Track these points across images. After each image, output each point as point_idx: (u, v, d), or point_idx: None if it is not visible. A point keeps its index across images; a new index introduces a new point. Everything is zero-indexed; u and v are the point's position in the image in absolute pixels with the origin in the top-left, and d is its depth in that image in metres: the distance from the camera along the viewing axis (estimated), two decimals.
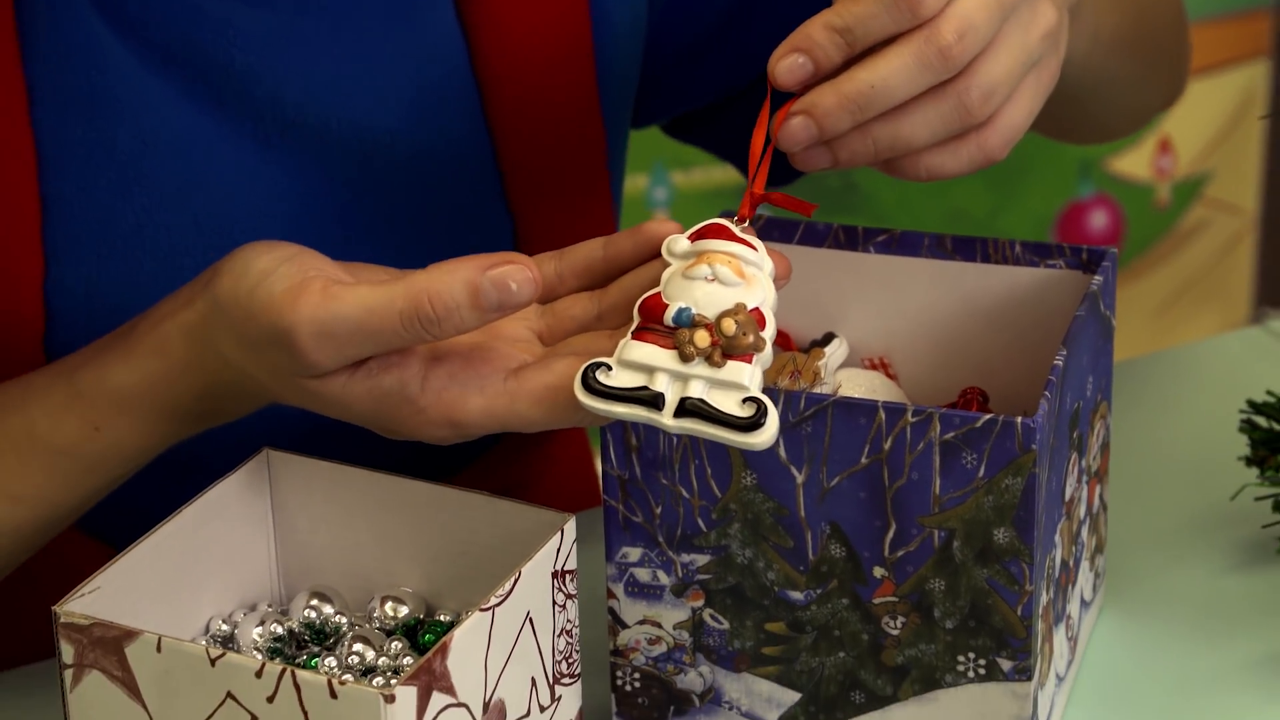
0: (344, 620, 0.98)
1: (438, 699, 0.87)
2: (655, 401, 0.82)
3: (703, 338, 0.84)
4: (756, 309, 0.85)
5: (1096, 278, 1.04)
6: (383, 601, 0.99)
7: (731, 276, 0.85)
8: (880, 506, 0.97)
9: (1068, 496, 1.02)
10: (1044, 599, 0.98)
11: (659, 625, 1.01)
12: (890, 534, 0.97)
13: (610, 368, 0.84)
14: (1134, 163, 2.56)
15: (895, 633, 0.99)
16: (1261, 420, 1.15)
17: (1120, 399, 1.25)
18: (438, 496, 0.98)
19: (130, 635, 0.89)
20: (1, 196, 1.04)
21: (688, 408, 0.82)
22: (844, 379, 1.08)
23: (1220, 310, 2.63)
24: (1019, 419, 0.94)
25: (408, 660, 0.96)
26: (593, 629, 1.08)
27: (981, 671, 0.98)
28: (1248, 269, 2.64)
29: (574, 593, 0.96)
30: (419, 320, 0.87)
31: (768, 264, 0.87)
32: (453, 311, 0.87)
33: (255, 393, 0.95)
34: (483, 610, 0.90)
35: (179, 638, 0.89)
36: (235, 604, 1.01)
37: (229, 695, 0.87)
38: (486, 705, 0.91)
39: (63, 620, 0.90)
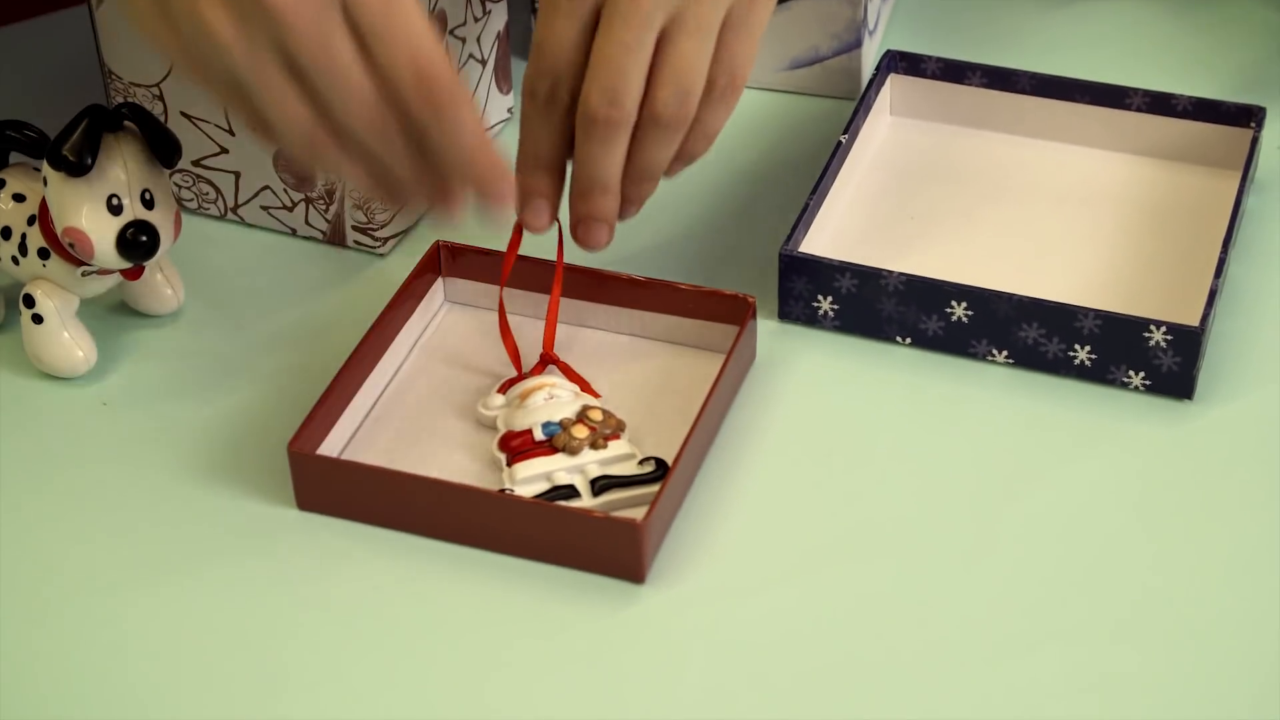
0: None
1: None
2: (572, 493, 0.81)
3: (581, 430, 0.83)
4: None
5: None
6: None
7: (564, 394, 0.84)
8: None
9: None
10: None
11: None
12: None
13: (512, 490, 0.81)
14: None
15: None
16: None
17: None
18: None
19: None
20: None
21: (602, 485, 0.82)
22: None
23: None
24: None
25: None
26: None
27: None
28: None
29: None
30: None
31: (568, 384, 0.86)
32: None
33: None
34: None
35: None
36: None
37: None
38: (431, 11, 0.93)
39: None
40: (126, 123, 0.84)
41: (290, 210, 0.95)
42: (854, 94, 1.04)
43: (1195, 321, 0.87)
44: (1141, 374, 0.86)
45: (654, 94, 0.82)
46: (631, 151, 0.84)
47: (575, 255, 0.91)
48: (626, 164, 0.84)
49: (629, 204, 0.86)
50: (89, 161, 0.83)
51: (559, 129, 0.84)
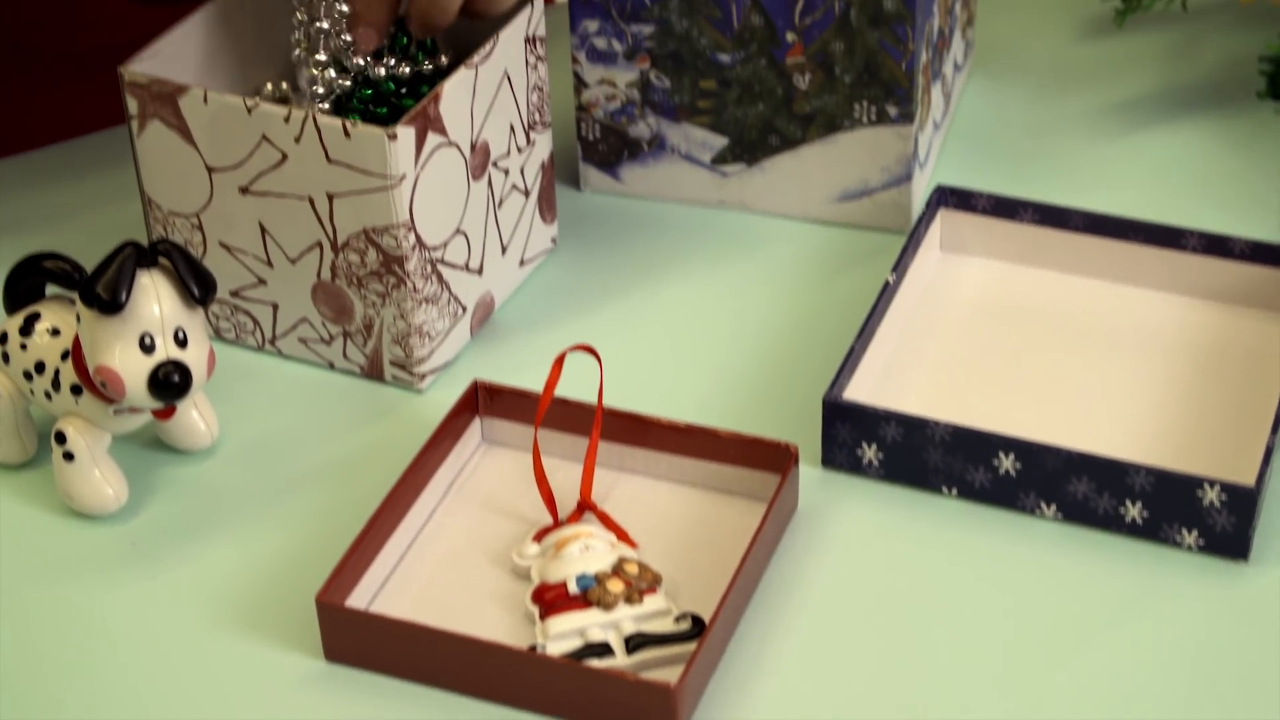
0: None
1: (432, 139, 0.88)
2: (606, 650, 0.78)
3: (616, 585, 0.79)
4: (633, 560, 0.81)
5: None
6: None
7: (600, 544, 0.81)
8: None
9: None
10: (923, 58, 0.99)
11: (614, 84, 1.01)
12: (799, 5, 0.97)
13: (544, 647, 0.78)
14: None
15: (804, 87, 0.99)
16: None
17: None
18: None
19: (182, 90, 0.89)
20: None
21: (636, 643, 0.78)
22: None
23: None
24: None
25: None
26: (562, 93, 1.08)
27: (873, 118, 0.99)
28: None
29: (543, 55, 0.95)
30: None
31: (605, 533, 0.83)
32: None
33: None
34: (467, 67, 0.90)
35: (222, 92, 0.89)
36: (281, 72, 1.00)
37: (264, 137, 0.88)
38: (474, 145, 0.91)
39: (128, 79, 0.90)
40: (162, 260, 0.82)
41: (328, 344, 0.93)
42: (904, 227, 1.01)
43: (1250, 480, 0.84)
44: (1195, 533, 0.83)
45: None
46: None
47: (616, 399, 0.88)
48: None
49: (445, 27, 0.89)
50: (123, 300, 0.80)
51: None
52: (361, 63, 0.90)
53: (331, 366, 0.93)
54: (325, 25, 0.90)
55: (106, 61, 1.02)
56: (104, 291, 0.80)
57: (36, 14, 1.06)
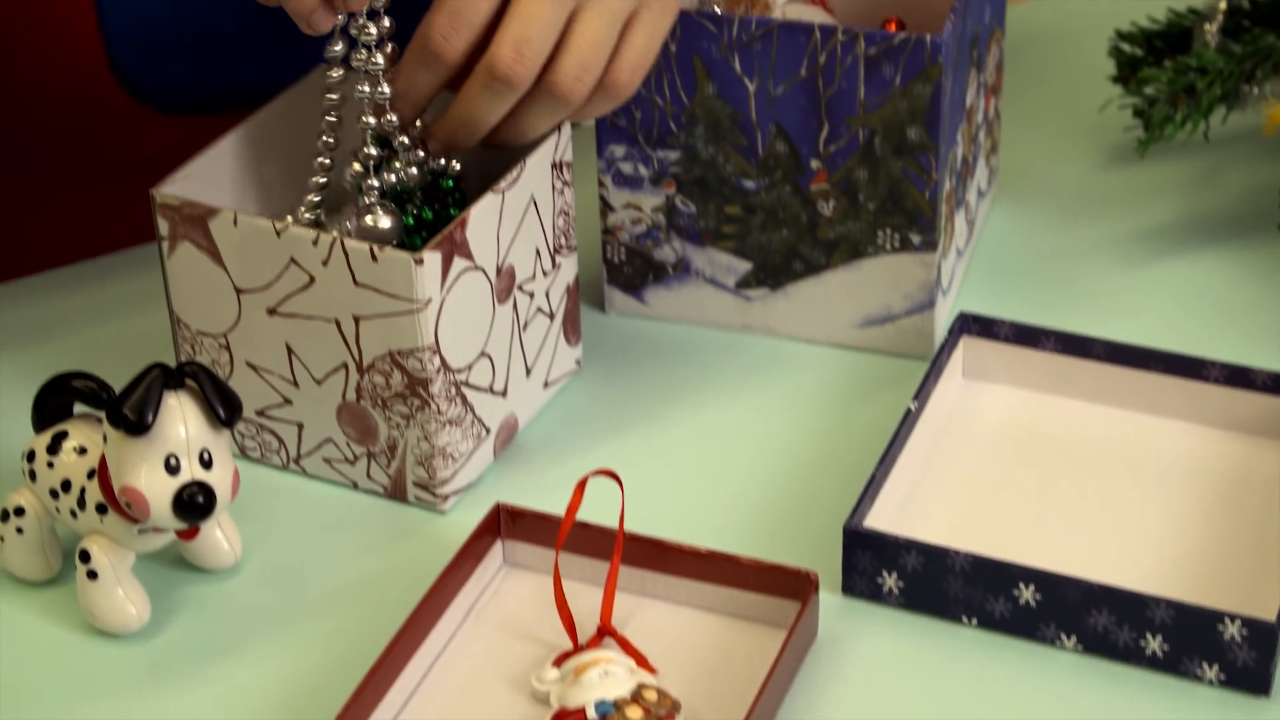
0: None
1: (459, 263, 0.89)
2: None
3: (635, 711, 0.79)
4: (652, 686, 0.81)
5: None
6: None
7: (619, 670, 0.81)
8: (816, 111, 0.97)
9: (967, 104, 1.02)
10: (947, 186, 0.99)
11: (640, 209, 1.02)
12: (824, 133, 0.97)
13: None
14: None
15: (828, 214, 0.99)
16: (1126, 46, 1.15)
17: (1018, 31, 1.25)
18: None
19: (213, 212, 0.89)
20: None
21: None
22: (790, 11, 1.07)
23: None
24: (929, 36, 0.94)
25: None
26: (587, 216, 1.09)
27: (896, 244, 0.99)
28: None
29: (570, 180, 0.96)
30: None
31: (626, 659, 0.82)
32: None
33: None
34: (494, 192, 0.90)
35: (252, 214, 0.90)
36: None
37: (292, 260, 0.88)
38: (499, 269, 0.92)
39: (159, 201, 0.91)
40: (189, 381, 0.82)
41: (352, 464, 0.93)
42: (926, 354, 1.01)
43: (1272, 615, 0.83)
44: (1216, 667, 0.82)
45: (557, 63, 0.86)
46: (513, 113, 0.88)
47: (637, 523, 0.88)
48: (508, 116, 0.88)
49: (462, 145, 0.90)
50: (149, 421, 0.80)
51: (442, 78, 0.87)
52: (406, 141, 0.91)
53: (355, 486, 0.94)
54: (370, 120, 0.90)
55: (139, 173, 1.03)
56: (131, 413, 0.80)
57: (70, 124, 1.07)
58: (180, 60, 1.05)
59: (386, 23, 0.90)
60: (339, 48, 0.90)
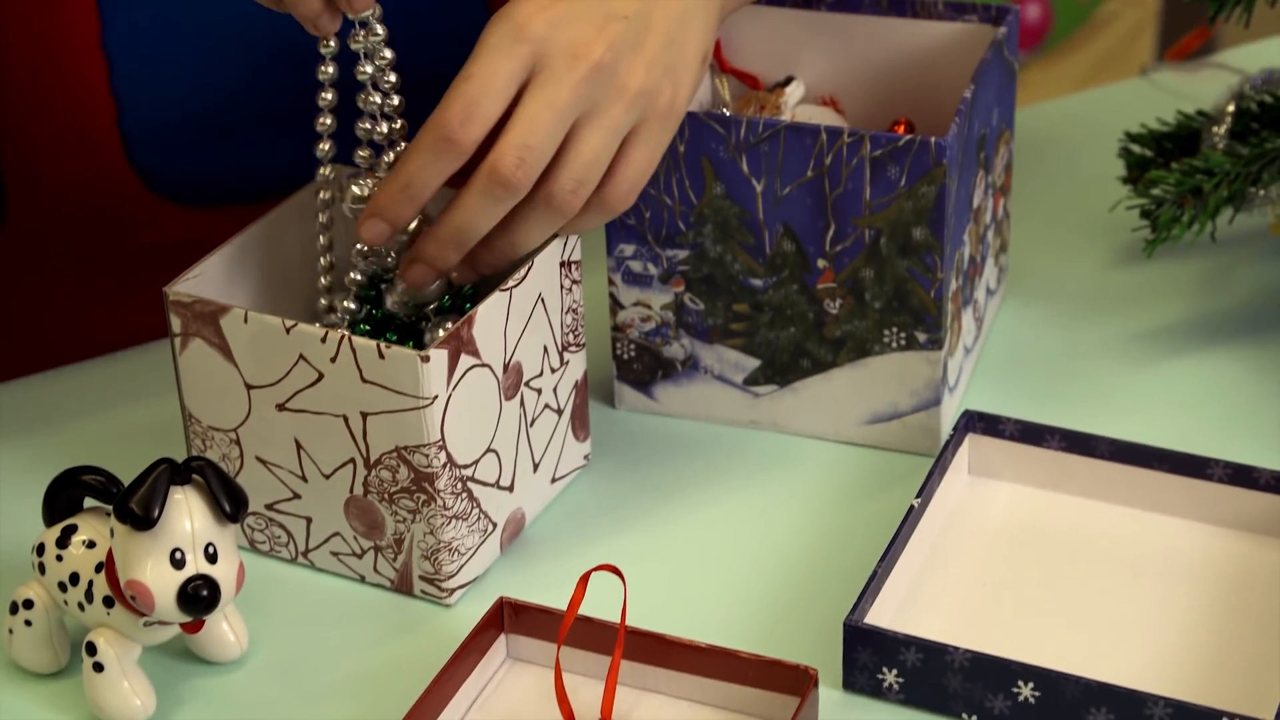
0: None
1: (465, 360, 0.89)
2: None
3: None
4: None
5: (1001, 29, 1.04)
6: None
7: None
8: (823, 211, 0.98)
9: (975, 205, 1.03)
10: (953, 285, 1.00)
11: (649, 306, 1.03)
12: (831, 232, 0.98)
13: None
14: None
15: (835, 312, 1.00)
16: (1136, 147, 1.16)
17: (1030, 132, 1.26)
18: None
19: (224, 310, 0.91)
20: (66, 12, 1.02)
21: None
22: (800, 113, 1.08)
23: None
24: (933, 139, 0.95)
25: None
26: (598, 312, 1.10)
27: (903, 342, 1.00)
28: (1148, 49, 2.64)
29: (578, 279, 0.97)
30: None
31: None
32: None
33: None
34: (502, 291, 0.91)
35: (263, 312, 0.91)
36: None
37: (300, 357, 0.89)
38: (506, 366, 0.92)
39: (171, 298, 0.92)
40: (195, 476, 0.83)
41: (360, 557, 0.93)
42: (933, 450, 1.01)
43: (1270, 714, 0.83)
44: None
45: (555, 174, 0.86)
46: (504, 222, 0.88)
47: (639, 617, 0.88)
48: (500, 225, 0.88)
49: (452, 265, 0.90)
50: (155, 516, 0.81)
51: (451, 168, 0.87)
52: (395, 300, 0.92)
53: (362, 580, 0.94)
54: (360, 261, 0.92)
55: (158, 264, 1.04)
56: (137, 508, 0.81)
57: (89, 217, 1.08)
58: (198, 154, 1.07)
59: (398, 124, 0.92)
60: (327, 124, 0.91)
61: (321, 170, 0.94)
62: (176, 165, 1.07)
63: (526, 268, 0.92)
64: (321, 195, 0.94)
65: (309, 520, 0.93)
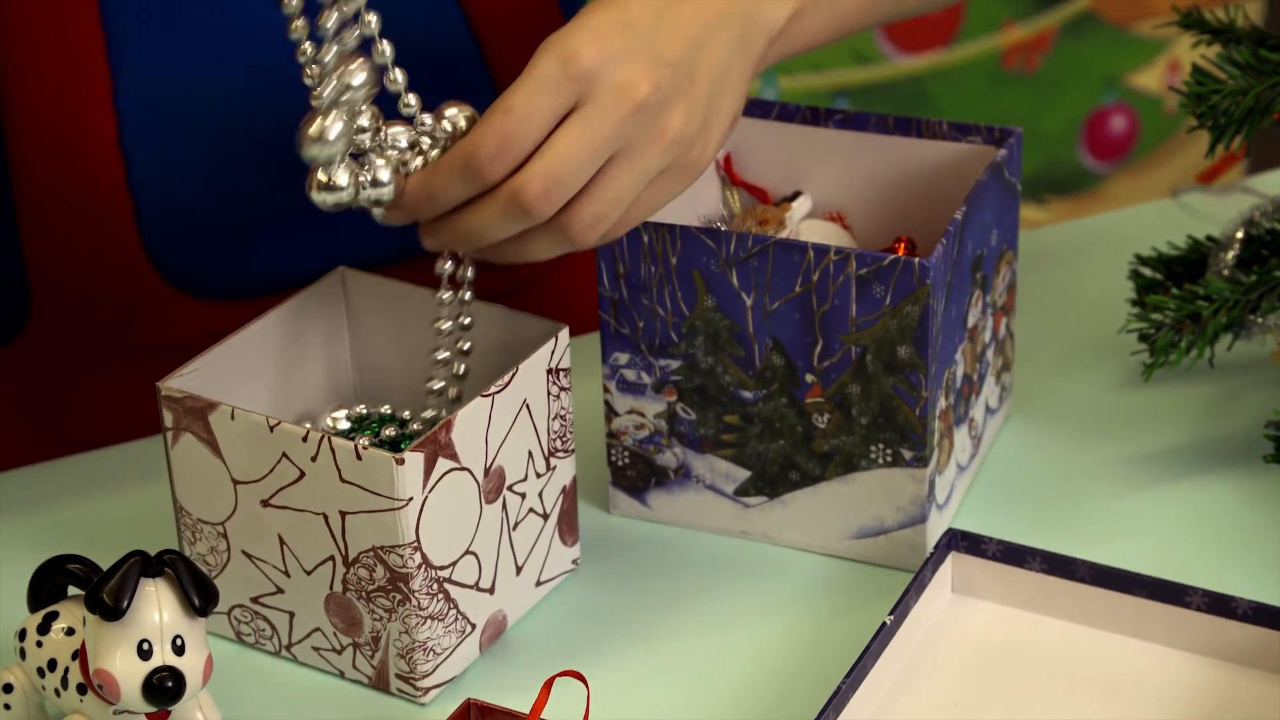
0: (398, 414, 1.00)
1: (443, 464, 0.90)
2: None
3: None
4: None
5: (1001, 151, 1.04)
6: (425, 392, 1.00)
7: None
8: (810, 326, 0.98)
9: (970, 324, 1.03)
10: (942, 404, 0.99)
11: (643, 414, 1.03)
12: (818, 348, 0.98)
13: None
14: (1148, 78, 2.54)
15: (822, 426, 1.00)
16: (1145, 270, 1.15)
17: (1054, 248, 1.25)
18: (474, 310, 0.99)
19: (212, 406, 0.92)
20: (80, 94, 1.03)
21: None
22: (806, 228, 1.08)
23: None
24: (916, 259, 0.95)
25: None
26: (594, 417, 1.10)
27: (889, 458, 0.99)
28: (1236, 168, 2.63)
29: (567, 386, 0.97)
30: None
31: None
32: None
33: None
34: (484, 396, 0.92)
35: (249, 410, 0.92)
36: (320, 394, 1.03)
37: (283, 455, 0.91)
38: (488, 470, 0.93)
39: (164, 394, 0.93)
40: (167, 570, 0.84)
41: (339, 653, 0.94)
42: (918, 567, 1.01)
43: None
44: None
45: (577, 206, 0.87)
46: (517, 235, 0.88)
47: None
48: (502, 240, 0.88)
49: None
50: (124, 606, 0.82)
51: (474, 193, 0.87)
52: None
53: (342, 675, 0.95)
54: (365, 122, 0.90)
55: (175, 358, 1.06)
56: (107, 598, 0.82)
57: (106, 310, 1.10)
58: (215, 249, 1.08)
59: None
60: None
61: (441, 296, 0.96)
62: (195, 260, 1.09)
63: (511, 374, 0.93)
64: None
65: (291, 615, 0.94)
